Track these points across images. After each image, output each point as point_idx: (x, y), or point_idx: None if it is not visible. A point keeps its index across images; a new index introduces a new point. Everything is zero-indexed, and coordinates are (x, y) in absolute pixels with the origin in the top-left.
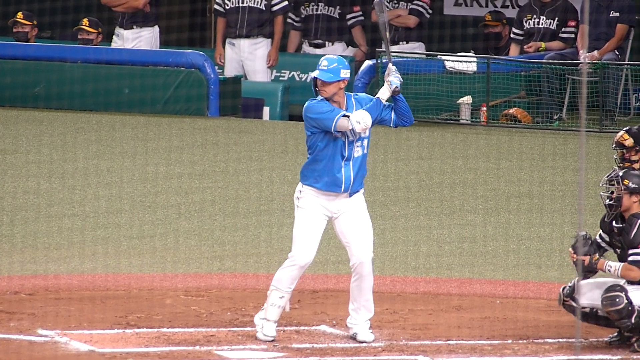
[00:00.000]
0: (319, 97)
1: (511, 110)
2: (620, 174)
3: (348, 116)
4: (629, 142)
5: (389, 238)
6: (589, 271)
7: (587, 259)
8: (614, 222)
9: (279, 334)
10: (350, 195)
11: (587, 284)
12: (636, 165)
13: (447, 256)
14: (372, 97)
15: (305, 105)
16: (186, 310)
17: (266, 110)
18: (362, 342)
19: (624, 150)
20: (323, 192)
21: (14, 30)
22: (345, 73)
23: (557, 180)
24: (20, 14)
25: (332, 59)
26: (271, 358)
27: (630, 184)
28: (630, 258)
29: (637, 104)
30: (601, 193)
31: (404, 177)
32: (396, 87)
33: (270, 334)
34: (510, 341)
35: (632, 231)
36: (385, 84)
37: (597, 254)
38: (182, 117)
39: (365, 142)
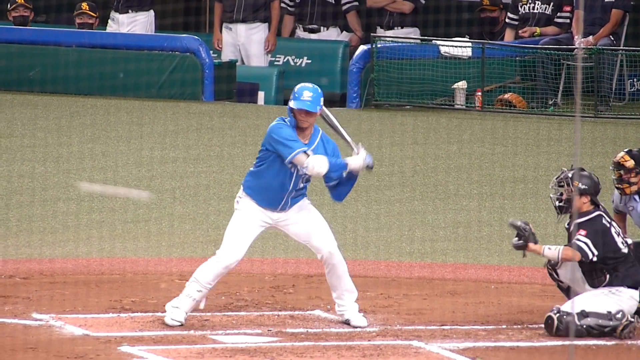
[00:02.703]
0: (287, 121)
1: (506, 96)
2: (570, 175)
3: (308, 155)
4: (630, 163)
5: (384, 223)
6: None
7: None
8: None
9: (273, 318)
10: (289, 209)
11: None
12: (634, 188)
13: (442, 241)
14: (337, 148)
15: (272, 124)
16: None
17: (261, 94)
18: (356, 327)
19: (622, 172)
20: (260, 206)
21: (14, 14)
22: (322, 101)
23: (551, 165)
24: None
25: (313, 88)
26: (265, 342)
27: (580, 185)
28: (574, 241)
29: (632, 90)
30: (550, 195)
31: (398, 162)
32: (370, 167)
33: (178, 319)
34: (504, 326)
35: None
36: (362, 156)
37: (529, 241)
38: (177, 102)
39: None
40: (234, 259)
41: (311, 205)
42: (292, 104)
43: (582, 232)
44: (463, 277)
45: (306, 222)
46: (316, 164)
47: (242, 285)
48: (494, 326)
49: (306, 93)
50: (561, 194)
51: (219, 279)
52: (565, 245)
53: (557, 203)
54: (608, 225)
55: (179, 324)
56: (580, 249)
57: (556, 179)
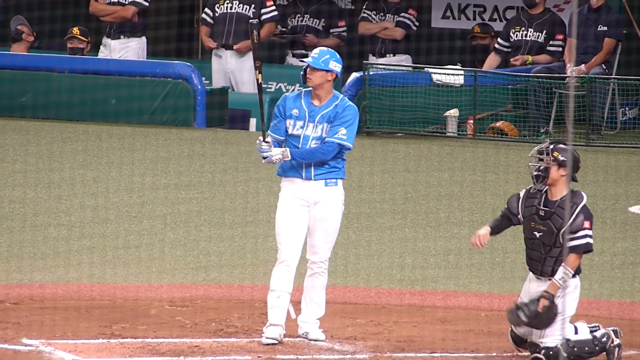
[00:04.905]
0: (296, 92)
1: (498, 124)
2: (551, 146)
3: (269, 143)
4: None
5: (375, 250)
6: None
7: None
8: (540, 204)
9: (262, 345)
10: (316, 179)
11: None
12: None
13: (433, 268)
14: (346, 117)
15: (285, 94)
16: (171, 321)
17: (253, 121)
18: (314, 341)
19: None
20: (289, 179)
21: (20, 39)
22: (334, 65)
23: None
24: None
25: (324, 50)
26: None
27: (559, 157)
28: (574, 243)
29: (624, 118)
30: (530, 164)
31: (390, 189)
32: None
33: (271, 336)
34: (494, 354)
35: (566, 216)
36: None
37: (546, 300)
38: (168, 128)
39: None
40: (292, 258)
41: (341, 208)
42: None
43: (587, 223)
44: (453, 305)
45: (325, 217)
46: (273, 157)
47: (233, 311)
48: (484, 354)
49: (315, 51)
50: (541, 163)
51: (290, 280)
52: (563, 264)
53: (534, 172)
54: None
55: (274, 341)
56: (588, 245)
57: (537, 149)
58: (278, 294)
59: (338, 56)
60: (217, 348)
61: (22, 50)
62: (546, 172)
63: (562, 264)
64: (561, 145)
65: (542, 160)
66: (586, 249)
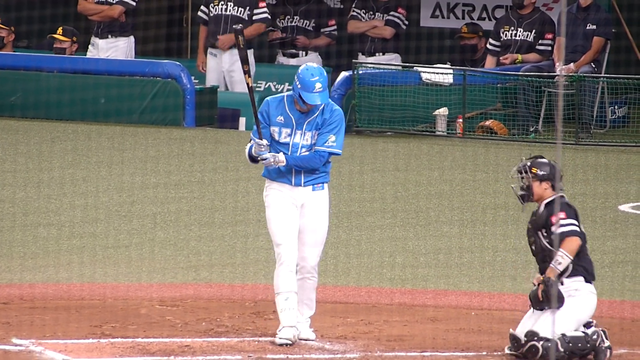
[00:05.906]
0: (278, 97)
1: (487, 122)
2: (528, 163)
3: (267, 145)
4: None
5: (365, 249)
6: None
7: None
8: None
9: (254, 344)
10: (305, 185)
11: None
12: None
13: (423, 267)
14: (333, 122)
15: (267, 99)
16: (161, 320)
17: (242, 120)
18: (305, 340)
19: None
20: (277, 183)
21: (3, 45)
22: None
23: None
24: None
25: (319, 72)
26: None
27: (539, 172)
28: (559, 231)
29: (613, 117)
30: (512, 186)
31: (379, 188)
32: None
33: (285, 336)
34: (485, 353)
35: (538, 215)
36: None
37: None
38: (158, 127)
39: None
40: (291, 256)
41: (327, 212)
42: (303, 95)
43: (562, 214)
44: (444, 304)
45: (313, 221)
46: (273, 161)
47: (223, 311)
48: (475, 353)
49: (317, 85)
50: (523, 182)
51: (294, 279)
52: (559, 247)
53: (519, 192)
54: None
55: (289, 342)
56: (574, 232)
57: (515, 168)
58: (285, 296)
59: (324, 70)
60: (208, 347)
61: (8, 51)
62: (529, 189)
63: (559, 248)
64: (538, 160)
65: (522, 179)
66: (567, 235)
